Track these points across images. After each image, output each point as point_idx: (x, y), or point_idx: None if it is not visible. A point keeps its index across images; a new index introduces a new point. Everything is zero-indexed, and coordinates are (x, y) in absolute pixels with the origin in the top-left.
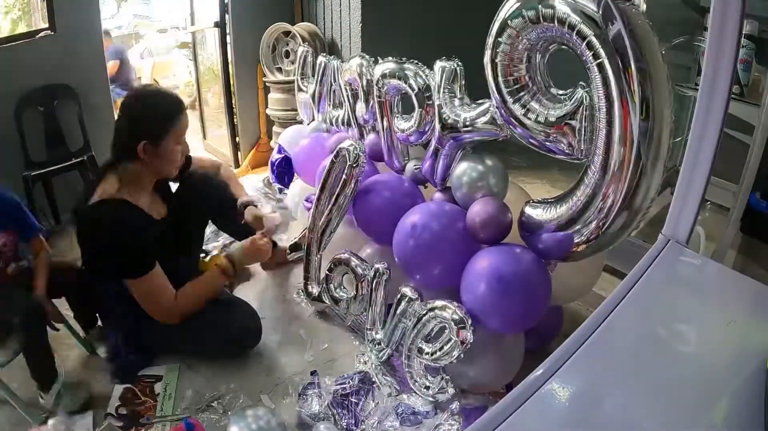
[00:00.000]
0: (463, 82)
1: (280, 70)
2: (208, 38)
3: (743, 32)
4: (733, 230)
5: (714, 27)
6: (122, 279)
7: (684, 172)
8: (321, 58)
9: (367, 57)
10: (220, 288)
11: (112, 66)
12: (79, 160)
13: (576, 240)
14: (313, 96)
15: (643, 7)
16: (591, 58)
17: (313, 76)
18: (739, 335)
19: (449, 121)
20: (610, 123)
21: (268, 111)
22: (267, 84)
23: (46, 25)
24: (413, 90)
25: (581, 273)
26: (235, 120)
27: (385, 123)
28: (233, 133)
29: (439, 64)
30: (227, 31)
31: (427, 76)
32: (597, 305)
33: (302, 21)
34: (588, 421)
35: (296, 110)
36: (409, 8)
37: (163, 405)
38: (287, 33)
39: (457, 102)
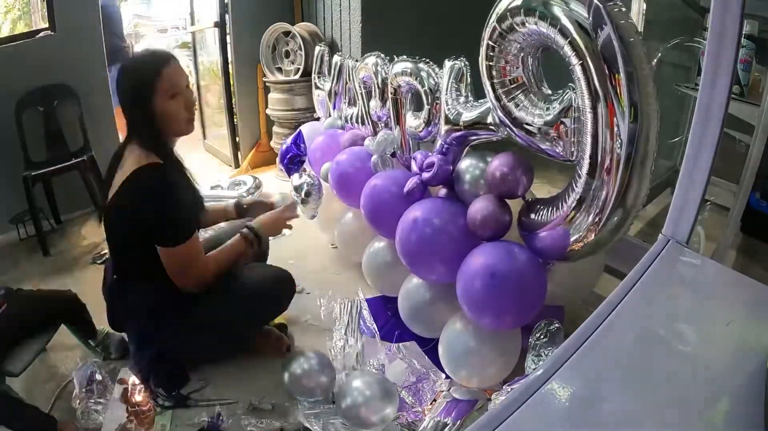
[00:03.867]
0: (469, 81)
1: (280, 70)
2: (208, 38)
3: (743, 32)
4: (733, 230)
5: (714, 27)
6: (165, 245)
7: (684, 172)
8: (337, 57)
9: (382, 56)
10: (243, 258)
11: None
12: (79, 160)
13: (572, 240)
14: (329, 94)
15: (644, 6)
16: (576, 65)
17: (329, 74)
18: (739, 335)
19: (452, 118)
20: (595, 126)
21: (268, 111)
22: (267, 84)
23: (46, 25)
24: (424, 87)
25: (581, 273)
26: (235, 120)
27: (398, 119)
28: (233, 133)
29: (448, 64)
30: (227, 31)
31: (437, 74)
32: (597, 305)
33: (302, 21)
34: (588, 421)
35: (296, 110)
36: (408, 8)
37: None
38: (287, 33)
39: (461, 100)
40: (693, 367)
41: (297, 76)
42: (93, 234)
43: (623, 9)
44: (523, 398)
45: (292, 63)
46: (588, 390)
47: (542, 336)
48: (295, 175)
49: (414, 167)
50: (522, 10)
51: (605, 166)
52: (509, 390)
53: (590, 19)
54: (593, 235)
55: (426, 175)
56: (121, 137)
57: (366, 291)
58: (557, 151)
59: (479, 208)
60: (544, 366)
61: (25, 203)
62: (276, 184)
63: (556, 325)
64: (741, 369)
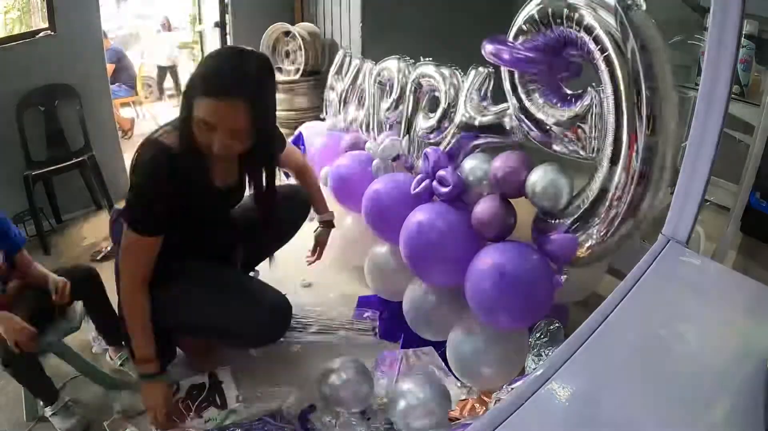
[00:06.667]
0: (490, 86)
1: (280, 70)
2: (209, 38)
3: (743, 32)
4: (733, 230)
5: (714, 27)
6: (127, 225)
7: (684, 172)
8: (356, 60)
9: (406, 57)
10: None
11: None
12: (79, 159)
13: (580, 246)
14: (341, 95)
15: (643, 6)
16: (606, 74)
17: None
18: (739, 335)
19: (466, 121)
20: (617, 132)
21: None
22: None
23: (46, 25)
24: (443, 90)
25: (584, 274)
26: None
27: (410, 121)
28: None
29: (473, 71)
30: (227, 31)
31: (460, 78)
32: (597, 305)
33: (302, 21)
34: (588, 421)
35: (296, 110)
36: (408, 8)
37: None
38: (287, 33)
39: (476, 102)
40: (693, 367)
41: (297, 76)
42: (94, 233)
43: (649, 19)
44: (523, 398)
45: (292, 63)
46: (588, 390)
47: (542, 336)
48: None
49: (421, 165)
50: (553, 15)
51: (623, 173)
52: (509, 390)
53: (618, 27)
54: (601, 242)
55: (443, 190)
56: (121, 136)
57: (367, 291)
58: (578, 151)
59: (484, 208)
60: (544, 366)
61: (26, 203)
62: None
63: (556, 325)
64: (741, 369)
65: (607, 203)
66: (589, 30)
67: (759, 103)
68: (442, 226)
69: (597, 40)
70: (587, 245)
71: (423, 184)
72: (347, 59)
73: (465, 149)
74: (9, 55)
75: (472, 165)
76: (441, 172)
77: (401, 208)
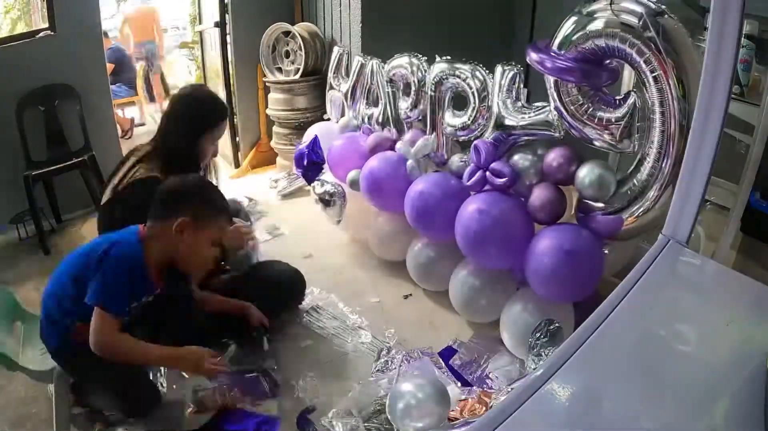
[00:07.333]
0: (522, 86)
1: (280, 70)
2: (209, 38)
3: (743, 32)
4: (733, 230)
5: (714, 27)
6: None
7: (684, 172)
8: (358, 58)
9: (419, 56)
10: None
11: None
12: (79, 159)
13: (626, 219)
14: (346, 94)
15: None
16: (650, 78)
17: (347, 75)
18: (739, 335)
19: (506, 123)
20: (663, 121)
21: (268, 111)
22: (267, 84)
23: (46, 25)
24: (472, 89)
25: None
26: (235, 120)
27: (435, 119)
28: (233, 133)
29: (499, 68)
30: (227, 31)
31: (485, 77)
32: (597, 305)
33: (302, 21)
34: (588, 421)
35: (296, 110)
36: (408, 8)
37: None
38: (287, 33)
39: (513, 104)
40: (693, 367)
41: (297, 76)
42: (94, 233)
43: (676, 22)
44: (523, 398)
45: (292, 63)
46: (588, 390)
47: (542, 336)
48: (317, 183)
49: (471, 157)
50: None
51: (671, 155)
52: (509, 390)
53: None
54: (649, 214)
55: (500, 181)
56: (121, 135)
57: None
58: (626, 147)
59: (541, 195)
60: (544, 366)
61: (25, 203)
62: (270, 193)
63: (556, 325)
64: (741, 369)
65: (652, 191)
66: (632, 44)
67: (759, 103)
68: (498, 212)
69: (641, 51)
70: (630, 221)
71: (476, 175)
72: (345, 57)
73: (509, 143)
74: (9, 55)
75: (519, 157)
76: (495, 164)
77: (447, 205)
